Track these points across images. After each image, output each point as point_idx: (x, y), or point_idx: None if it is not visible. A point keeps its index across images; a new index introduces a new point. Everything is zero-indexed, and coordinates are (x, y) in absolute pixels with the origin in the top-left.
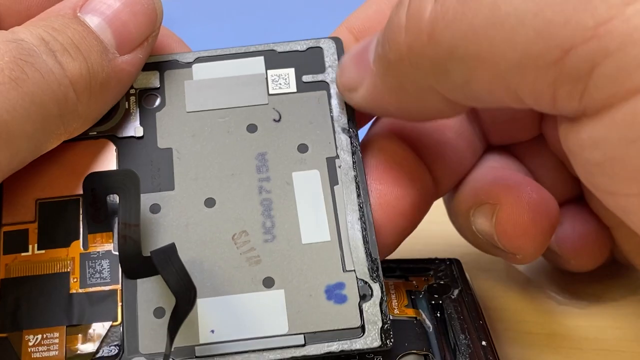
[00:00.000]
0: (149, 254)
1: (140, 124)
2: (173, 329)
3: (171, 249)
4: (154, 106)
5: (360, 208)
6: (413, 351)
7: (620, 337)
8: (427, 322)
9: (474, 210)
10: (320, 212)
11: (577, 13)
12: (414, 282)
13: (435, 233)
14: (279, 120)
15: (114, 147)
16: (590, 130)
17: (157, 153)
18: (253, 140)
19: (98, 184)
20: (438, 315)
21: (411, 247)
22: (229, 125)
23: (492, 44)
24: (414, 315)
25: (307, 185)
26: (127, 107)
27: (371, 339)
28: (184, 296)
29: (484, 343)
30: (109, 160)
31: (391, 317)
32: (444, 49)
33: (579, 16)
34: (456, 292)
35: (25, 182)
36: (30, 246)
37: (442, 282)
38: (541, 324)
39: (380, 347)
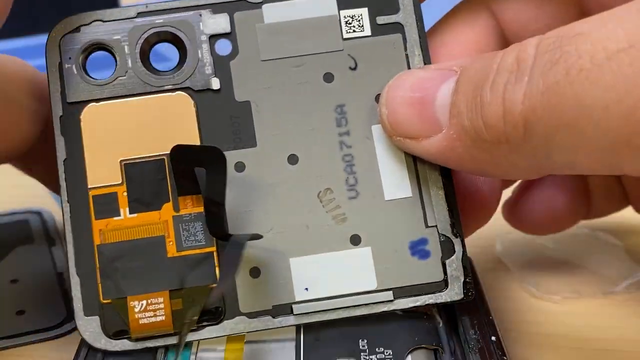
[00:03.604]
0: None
1: (216, 75)
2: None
3: (243, 243)
4: (227, 54)
5: None
6: (423, 346)
7: (620, 337)
8: (438, 317)
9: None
10: (401, 168)
11: None
12: None
13: None
14: (355, 69)
15: (192, 102)
16: None
17: (236, 107)
18: (330, 91)
19: (185, 157)
20: (448, 311)
21: None
22: (304, 74)
23: (584, 133)
24: (425, 311)
25: (387, 138)
26: (200, 56)
27: (455, 293)
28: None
29: (493, 338)
30: (188, 118)
31: (401, 313)
32: (541, 139)
33: None
34: None
35: (107, 142)
36: (121, 210)
37: None
38: (541, 324)
39: (462, 299)
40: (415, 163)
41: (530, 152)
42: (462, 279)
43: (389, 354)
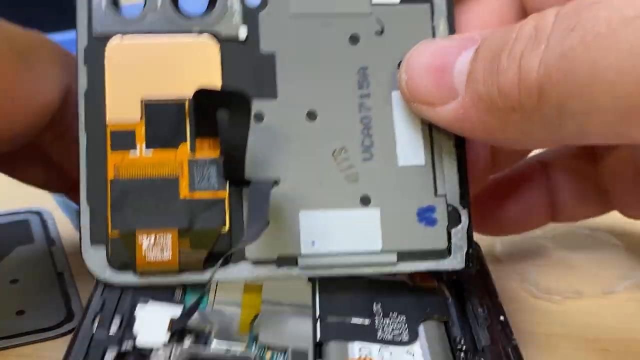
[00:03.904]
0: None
1: (243, 24)
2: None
3: (268, 190)
4: (257, 5)
5: (456, 135)
6: (435, 316)
7: (620, 337)
8: (447, 293)
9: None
10: (417, 135)
11: None
12: None
13: None
14: (381, 33)
15: (217, 49)
16: None
17: (260, 58)
18: (355, 53)
19: (209, 100)
20: (456, 289)
21: None
22: (331, 34)
23: (597, 99)
24: (433, 286)
25: (406, 106)
26: (229, 4)
27: (457, 261)
28: (253, 235)
29: (502, 318)
30: (212, 63)
31: (412, 286)
32: (554, 106)
33: None
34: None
35: (129, 79)
36: (138, 147)
37: None
38: (541, 324)
39: (464, 269)
40: (431, 132)
41: (543, 120)
42: (465, 249)
43: (403, 319)
